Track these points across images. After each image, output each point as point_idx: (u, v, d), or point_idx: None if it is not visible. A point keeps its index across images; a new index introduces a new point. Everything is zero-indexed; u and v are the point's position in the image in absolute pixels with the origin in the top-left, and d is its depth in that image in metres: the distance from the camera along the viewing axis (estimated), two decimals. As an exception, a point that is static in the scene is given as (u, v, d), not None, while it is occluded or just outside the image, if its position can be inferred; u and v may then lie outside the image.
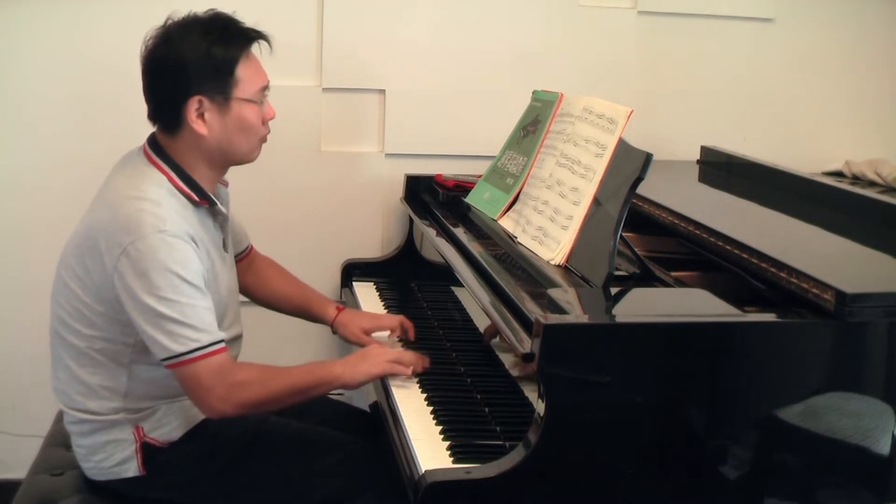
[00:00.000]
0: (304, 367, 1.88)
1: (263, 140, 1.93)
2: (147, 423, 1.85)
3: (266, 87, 1.90)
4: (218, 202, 1.91)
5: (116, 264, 1.73)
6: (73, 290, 1.82)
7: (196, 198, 1.85)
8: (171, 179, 1.83)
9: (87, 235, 1.80)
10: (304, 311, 2.25)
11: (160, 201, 1.77)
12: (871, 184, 2.81)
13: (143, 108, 2.56)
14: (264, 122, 1.90)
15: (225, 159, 1.90)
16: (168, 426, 1.87)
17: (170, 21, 1.84)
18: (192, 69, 1.80)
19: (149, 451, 1.85)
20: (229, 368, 1.75)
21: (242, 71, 1.84)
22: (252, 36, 1.87)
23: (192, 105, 1.81)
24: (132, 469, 1.86)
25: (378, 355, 1.93)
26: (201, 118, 1.82)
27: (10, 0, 2.54)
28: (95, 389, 1.84)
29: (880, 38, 3.07)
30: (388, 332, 2.19)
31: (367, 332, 2.18)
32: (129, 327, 1.77)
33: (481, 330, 2.08)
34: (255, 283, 2.26)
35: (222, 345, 1.75)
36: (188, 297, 1.72)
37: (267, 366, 1.83)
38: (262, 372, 1.81)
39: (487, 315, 1.82)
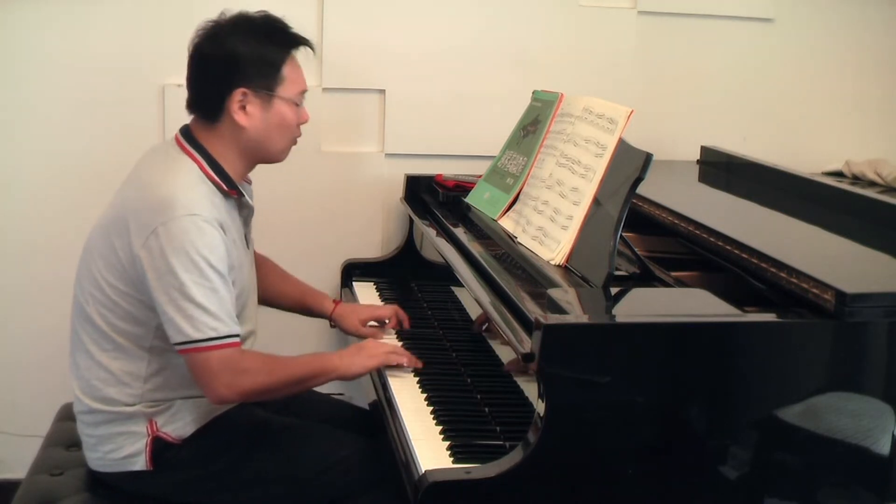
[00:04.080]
0: (305, 358, 1.92)
1: (294, 142, 1.99)
2: (161, 418, 1.86)
3: (304, 92, 1.96)
4: (245, 194, 1.96)
5: (145, 243, 1.75)
6: (98, 272, 1.84)
7: (225, 187, 1.89)
8: (201, 167, 1.87)
9: (115, 216, 1.83)
10: (301, 305, 2.28)
11: (191, 186, 1.82)
12: (871, 184, 2.81)
13: (144, 107, 2.62)
14: (298, 125, 1.97)
15: (257, 154, 1.94)
16: (181, 421, 1.88)
17: (222, 16, 1.90)
18: (241, 62, 1.86)
19: (159, 446, 1.86)
20: (238, 357, 1.78)
21: (288, 71, 1.91)
22: (300, 40, 1.94)
23: (237, 96, 1.86)
24: (139, 463, 1.86)
25: (374, 347, 1.99)
26: (243, 110, 1.88)
27: (12, 0, 2.54)
28: (117, 375, 1.85)
29: (880, 38, 3.07)
30: (385, 322, 2.24)
31: (364, 322, 2.23)
32: (152, 310, 1.79)
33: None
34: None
35: (237, 339, 1.78)
36: (212, 283, 1.75)
37: (270, 355, 1.86)
38: (266, 361, 1.84)
39: (487, 315, 1.82)
